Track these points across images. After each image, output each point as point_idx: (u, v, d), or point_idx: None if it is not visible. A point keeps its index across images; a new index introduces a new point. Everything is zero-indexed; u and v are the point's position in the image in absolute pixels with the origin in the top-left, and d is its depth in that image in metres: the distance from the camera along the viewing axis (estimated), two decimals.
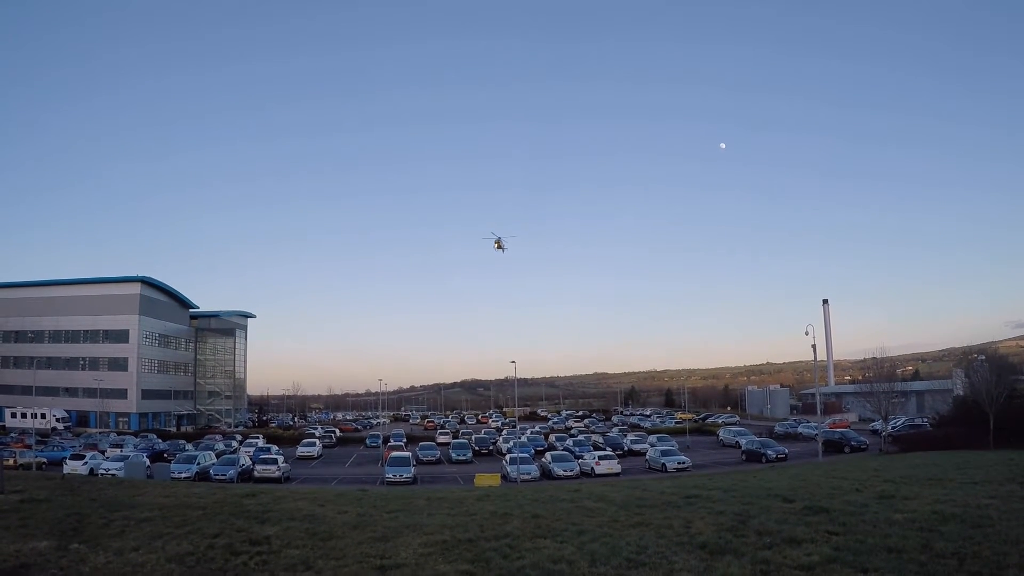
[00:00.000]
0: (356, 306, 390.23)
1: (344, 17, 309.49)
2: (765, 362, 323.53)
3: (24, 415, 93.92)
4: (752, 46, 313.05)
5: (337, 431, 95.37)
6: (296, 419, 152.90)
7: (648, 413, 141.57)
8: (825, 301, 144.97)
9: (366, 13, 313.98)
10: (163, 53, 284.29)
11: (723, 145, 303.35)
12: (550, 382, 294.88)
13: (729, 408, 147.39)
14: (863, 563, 9.59)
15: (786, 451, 54.82)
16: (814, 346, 52.65)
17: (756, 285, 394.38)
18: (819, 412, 68.66)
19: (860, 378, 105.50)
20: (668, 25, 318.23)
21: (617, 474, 46.21)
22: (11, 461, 49.95)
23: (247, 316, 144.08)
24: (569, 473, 46.54)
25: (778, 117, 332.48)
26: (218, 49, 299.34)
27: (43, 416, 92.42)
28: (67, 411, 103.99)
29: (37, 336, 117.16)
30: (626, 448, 63.66)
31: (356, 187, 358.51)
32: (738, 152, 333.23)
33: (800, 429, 76.27)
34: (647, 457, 54.15)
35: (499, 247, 63.22)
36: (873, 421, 73.60)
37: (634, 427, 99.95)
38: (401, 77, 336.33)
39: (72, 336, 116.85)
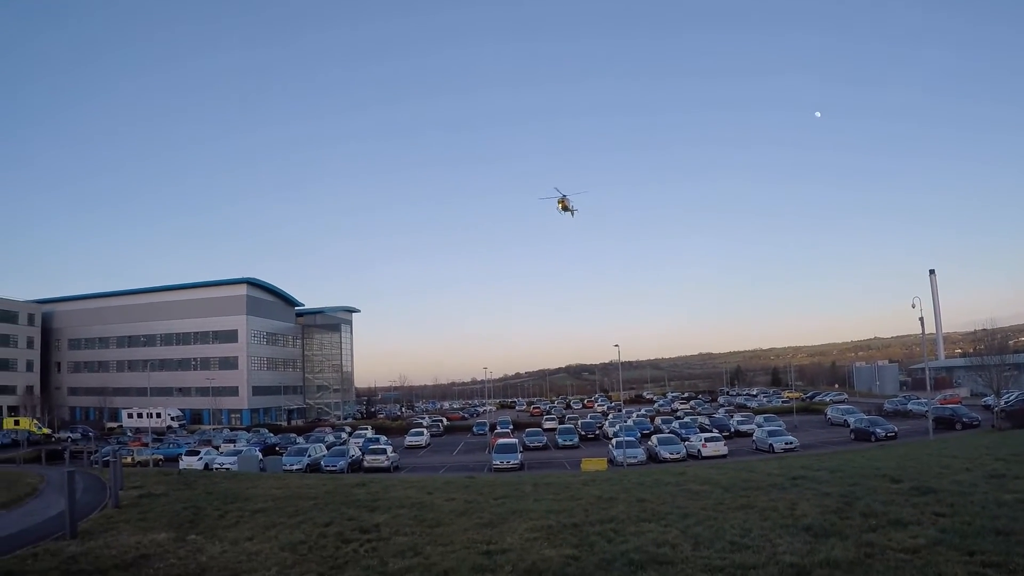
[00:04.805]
0: (459, 295, 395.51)
1: None
2: (872, 336, 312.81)
3: (140, 415, 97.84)
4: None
5: (444, 420, 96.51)
6: (403, 409, 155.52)
7: (755, 393, 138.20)
8: (932, 271, 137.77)
9: None
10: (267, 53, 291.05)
11: (818, 114, 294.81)
12: (655, 364, 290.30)
13: (837, 386, 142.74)
14: (969, 546, 9.13)
15: (895, 429, 52.77)
16: (921, 319, 50.04)
17: (861, 257, 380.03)
18: (928, 388, 65.86)
19: (971, 351, 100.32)
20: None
21: (724, 456, 45.41)
22: (129, 459, 52.70)
23: (352, 311, 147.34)
24: (676, 456, 46.09)
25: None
26: (317, 52, 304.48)
27: (158, 415, 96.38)
28: (181, 410, 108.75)
29: (150, 340, 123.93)
30: (733, 429, 62.66)
31: (451, 175, 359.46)
32: (835, 123, 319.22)
33: (910, 406, 73.15)
34: (754, 438, 53.48)
35: (565, 208, 53.41)
36: (985, 396, 69.89)
37: (740, 407, 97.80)
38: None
39: (183, 338, 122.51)
